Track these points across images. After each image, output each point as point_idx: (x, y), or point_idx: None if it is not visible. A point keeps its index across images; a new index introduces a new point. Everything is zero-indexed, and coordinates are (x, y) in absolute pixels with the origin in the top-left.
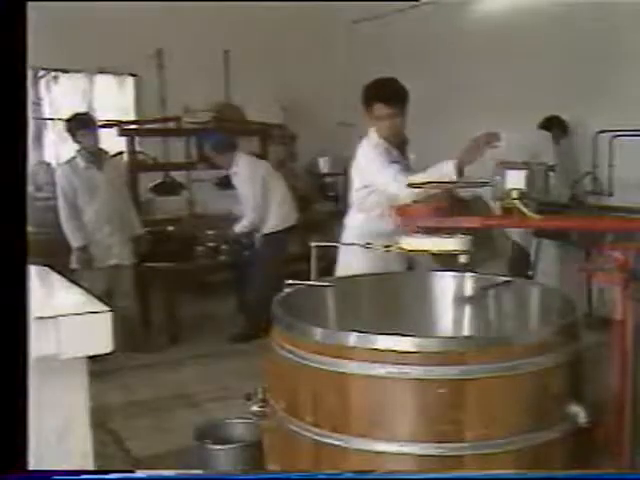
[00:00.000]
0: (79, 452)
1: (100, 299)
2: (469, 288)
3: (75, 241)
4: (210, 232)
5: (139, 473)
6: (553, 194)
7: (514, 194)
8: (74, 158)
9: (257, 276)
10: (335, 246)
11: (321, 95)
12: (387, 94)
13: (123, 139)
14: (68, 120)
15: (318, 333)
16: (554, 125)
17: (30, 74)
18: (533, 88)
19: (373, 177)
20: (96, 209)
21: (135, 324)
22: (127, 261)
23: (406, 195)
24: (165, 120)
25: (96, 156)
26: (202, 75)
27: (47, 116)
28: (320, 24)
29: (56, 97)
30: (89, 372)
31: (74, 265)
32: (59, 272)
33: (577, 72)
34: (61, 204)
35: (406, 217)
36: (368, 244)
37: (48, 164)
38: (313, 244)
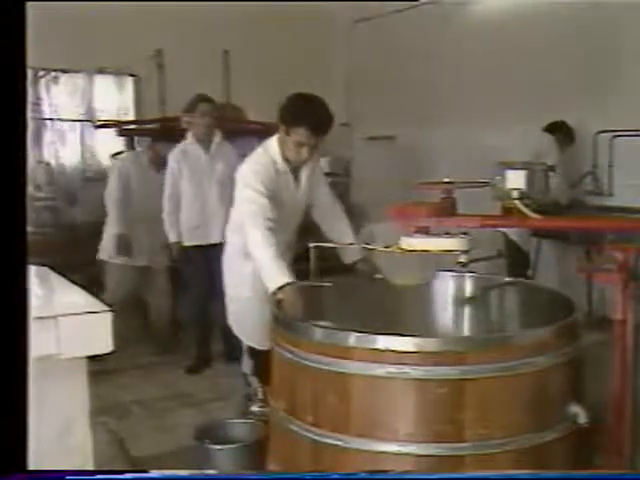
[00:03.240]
0: (79, 452)
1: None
2: (469, 288)
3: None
4: None
5: (153, 473)
6: (555, 195)
7: (514, 194)
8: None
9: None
10: (335, 247)
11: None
12: (317, 122)
13: (122, 139)
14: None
15: (318, 333)
16: (559, 129)
17: (30, 74)
18: (533, 88)
19: (242, 214)
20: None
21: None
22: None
23: (265, 264)
24: (165, 120)
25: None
26: (202, 75)
27: (47, 116)
28: (320, 24)
29: (56, 97)
30: (89, 372)
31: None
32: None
33: (577, 72)
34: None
35: (405, 217)
36: (367, 244)
37: (48, 164)
38: (312, 244)
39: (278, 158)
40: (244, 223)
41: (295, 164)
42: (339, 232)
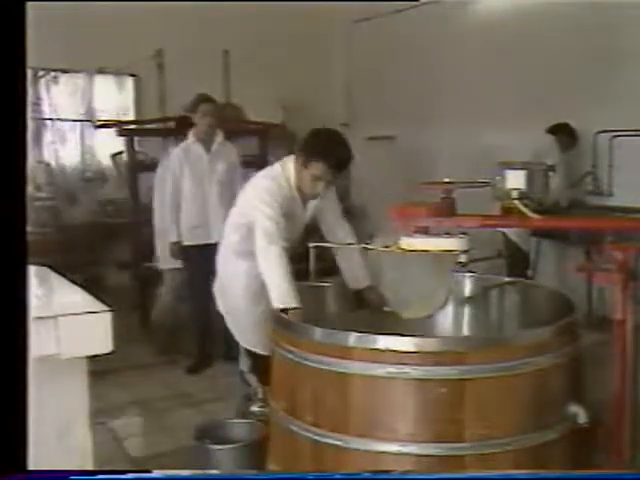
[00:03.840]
0: (79, 452)
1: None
2: (469, 288)
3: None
4: None
5: (156, 473)
6: (554, 196)
7: (514, 194)
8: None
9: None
10: (334, 247)
11: (321, 95)
12: (337, 159)
13: (122, 139)
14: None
15: (318, 333)
16: (562, 131)
17: (30, 74)
18: (533, 88)
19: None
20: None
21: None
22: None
23: (276, 284)
24: (165, 120)
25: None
26: (202, 75)
27: (47, 116)
28: (320, 24)
29: (56, 97)
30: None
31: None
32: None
33: (577, 72)
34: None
35: (405, 217)
36: (367, 243)
37: (48, 164)
38: (312, 244)
39: (293, 185)
40: (258, 238)
41: (308, 197)
42: (348, 259)
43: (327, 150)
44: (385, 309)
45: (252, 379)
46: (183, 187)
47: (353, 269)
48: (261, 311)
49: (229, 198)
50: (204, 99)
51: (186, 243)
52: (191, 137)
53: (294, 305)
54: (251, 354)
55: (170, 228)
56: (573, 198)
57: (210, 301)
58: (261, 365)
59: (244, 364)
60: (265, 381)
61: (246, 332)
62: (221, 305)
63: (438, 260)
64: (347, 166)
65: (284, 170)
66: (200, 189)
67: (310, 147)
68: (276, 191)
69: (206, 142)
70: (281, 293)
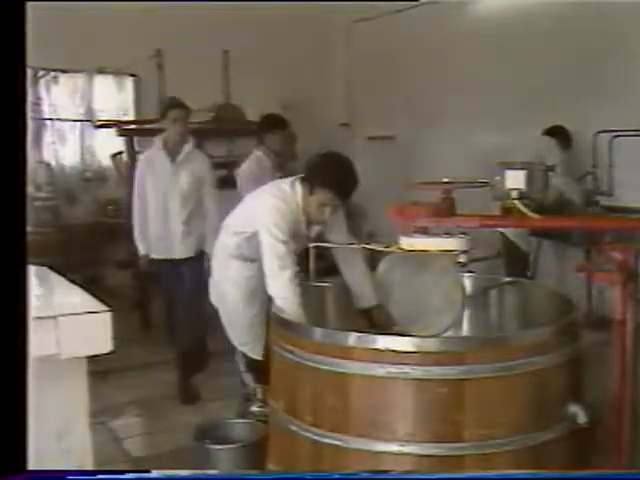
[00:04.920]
0: (79, 452)
1: None
2: (469, 288)
3: None
4: None
5: (154, 473)
6: (568, 195)
7: (514, 194)
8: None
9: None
10: (334, 247)
11: (321, 95)
12: (343, 187)
13: (122, 139)
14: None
15: (318, 333)
16: (559, 132)
17: (30, 74)
18: (533, 88)
19: (263, 248)
20: None
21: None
22: None
23: (288, 307)
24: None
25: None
26: (202, 75)
27: (47, 116)
28: (320, 24)
29: (56, 97)
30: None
31: None
32: None
33: (577, 72)
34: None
35: (405, 217)
36: (367, 243)
37: (48, 164)
38: (312, 244)
39: (300, 208)
40: (269, 261)
41: (314, 221)
42: (356, 278)
43: (334, 178)
44: (394, 329)
45: (248, 378)
46: (148, 199)
47: (361, 288)
48: (254, 314)
49: (193, 214)
50: (174, 104)
51: (153, 256)
52: (157, 144)
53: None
54: (245, 354)
55: (137, 240)
56: (586, 195)
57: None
58: (256, 365)
59: (241, 364)
60: (262, 380)
61: (240, 333)
62: (217, 302)
63: (447, 276)
64: (353, 192)
65: (293, 192)
66: (162, 202)
67: (317, 175)
68: (287, 214)
69: (173, 151)
70: (291, 317)
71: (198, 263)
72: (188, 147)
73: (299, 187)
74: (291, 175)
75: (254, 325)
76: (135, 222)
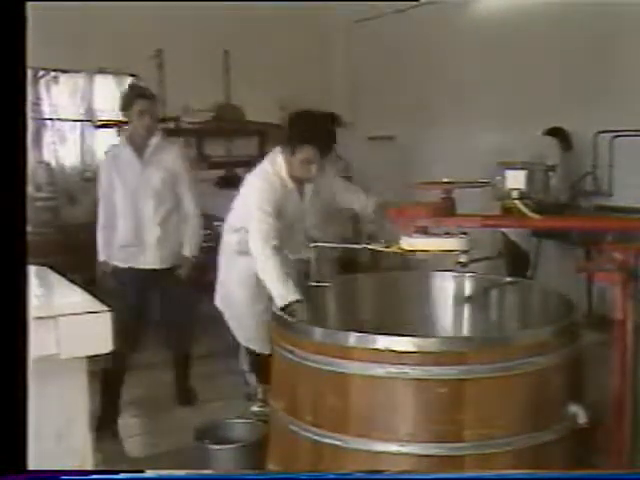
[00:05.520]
0: (79, 452)
1: None
2: (469, 288)
3: None
4: (208, 232)
5: (148, 473)
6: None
7: (514, 194)
8: None
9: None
10: (335, 247)
11: (321, 95)
12: (325, 141)
13: None
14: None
15: (318, 333)
16: (559, 133)
17: (30, 74)
18: (533, 88)
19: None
20: None
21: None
22: None
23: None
24: (165, 120)
25: None
26: (202, 75)
27: (47, 116)
28: (320, 24)
29: (56, 97)
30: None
31: None
32: None
33: (577, 72)
34: None
35: (405, 217)
36: (367, 243)
37: (48, 164)
38: (312, 244)
39: (285, 176)
40: (251, 240)
41: (304, 181)
42: (353, 197)
43: (312, 133)
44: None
45: (252, 378)
46: (116, 200)
47: (362, 202)
48: (261, 310)
49: (170, 217)
50: (140, 94)
51: (117, 264)
52: (121, 139)
53: (295, 298)
54: (251, 353)
55: (102, 247)
56: (572, 197)
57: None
58: (261, 363)
59: (245, 364)
60: (266, 380)
61: (247, 330)
62: (221, 303)
63: None
64: (334, 142)
65: (274, 166)
66: (132, 203)
67: (294, 134)
68: (269, 190)
69: (140, 146)
70: (280, 291)
71: (173, 278)
72: (156, 140)
73: (280, 157)
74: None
75: (262, 321)
76: (99, 225)
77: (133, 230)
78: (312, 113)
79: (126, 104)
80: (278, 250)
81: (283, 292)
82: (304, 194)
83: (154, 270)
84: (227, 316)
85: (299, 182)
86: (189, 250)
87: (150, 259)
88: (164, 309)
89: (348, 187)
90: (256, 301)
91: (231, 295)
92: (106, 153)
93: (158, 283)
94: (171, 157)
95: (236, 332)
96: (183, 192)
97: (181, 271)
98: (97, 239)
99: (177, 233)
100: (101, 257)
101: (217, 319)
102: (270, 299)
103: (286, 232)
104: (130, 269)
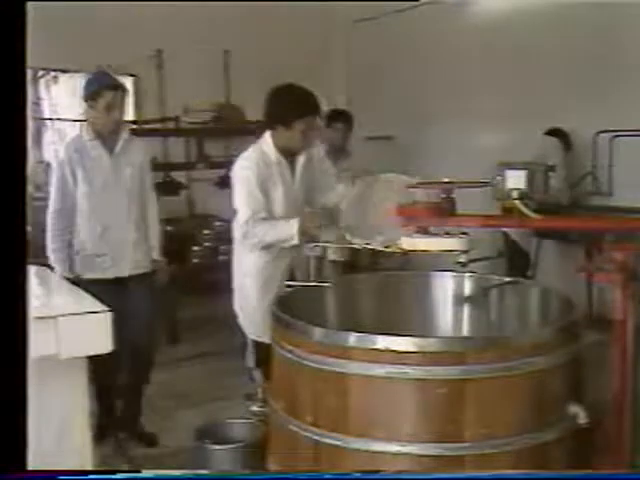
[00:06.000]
0: (79, 452)
1: None
2: (469, 288)
3: None
4: (208, 232)
5: (145, 473)
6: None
7: (514, 194)
8: None
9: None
10: (334, 247)
11: (321, 95)
12: (316, 106)
13: None
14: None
15: (318, 333)
16: (558, 133)
17: (30, 74)
18: (533, 88)
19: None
20: None
21: None
22: None
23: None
24: (165, 120)
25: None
26: (202, 75)
27: (47, 116)
28: (320, 24)
29: (56, 97)
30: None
31: None
32: None
33: (577, 72)
34: None
35: (405, 217)
36: (367, 243)
37: (48, 164)
38: (312, 244)
39: (272, 151)
40: (238, 220)
41: (297, 153)
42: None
43: (306, 103)
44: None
45: (258, 375)
46: (78, 200)
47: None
48: (272, 300)
49: (140, 213)
50: (109, 85)
51: (83, 276)
52: (87, 133)
53: (295, 224)
54: (259, 347)
55: (57, 257)
56: (574, 198)
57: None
58: (267, 360)
59: (251, 361)
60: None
61: (258, 324)
62: (236, 301)
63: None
64: (319, 108)
65: (257, 146)
66: (101, 202)
67: (287, 109)
68: (250, 166)
69: (108, 140)
70: (286, 232)
71: (144, 285)
72: (125, 134)
73: (269, 136)
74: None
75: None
76: (51, 232)
77: (100, 234)
78: (291, 85)
79: (92, 95)
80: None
81: (289, 231)
82: (295, 170)
83: (126, 278)
84: (241, 317)
85: (291, 158)
86: (157, 253)
87: (125, 266)
88: (128, 323)
89: (330, 180)
90: (266, 293)
91: (242, 288)
92: (67, 146)
93: (128, 293)
94: (140, 152)
95: (247, 328)
96: (147, 189)
97: (158, 277)
98: (48, 251)
99: (148, 235)
100: (61, 271)
101: (217, 319)
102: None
103: (282, 207)
104: (104, 280)
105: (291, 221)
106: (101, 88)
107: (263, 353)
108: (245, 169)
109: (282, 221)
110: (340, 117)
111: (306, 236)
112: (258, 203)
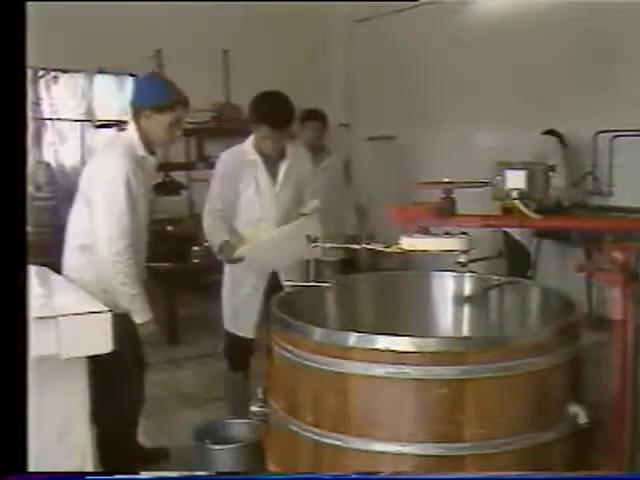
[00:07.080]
0: (79, 452)
1: None
2: (469, 288)
3: None
4: None
5: (143, 474)
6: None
7: (514, 194)
8: None
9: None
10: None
11: (321, 95)
12: (275, 119)
13: None
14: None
15: (318, 333)
16: (557, 134)
17: (30, 74)
18: (533, 88)
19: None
20: None
21: None
22: None
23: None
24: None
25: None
26: (202, 75)
27: (47, 116)
28: (320, 24)
29: (56, 97)
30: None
31: None
32: None
33: (577, 72)
34: None
35: (405, 217)
36: (367, 243)
37: (48, 164)
38: (312, 245)
39: (251, 151)
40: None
41: (269, 155)
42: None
43: (267, 112)
44: None
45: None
46: (138, 212)
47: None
48: (247, 294)
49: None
50: (180, 100)
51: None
52: (140, 145)
53: (219, 242)
54: (229, 336)
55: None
56: (575, 198)
57: None
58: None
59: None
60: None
61: (229, 314)
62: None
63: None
64: (289, 124)
65: (245, 144)
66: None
67: (253, 112)
68: (218, 171)
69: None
70: (212, 235)
71: None
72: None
73: (251, 136)
74: None
75: (249, 305)
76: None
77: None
78: (269, 93)
79: (161, 107)
80: (223, 220)
81: (214, 240)
82: (277, 174)
83: None
84: (227, 324)
85: (267, 160)
86: None
87: None
88: None
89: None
90: (238, 286)
91: (225, 290)
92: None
93: None
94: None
95: (235, 331)
96: None
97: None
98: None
99: None
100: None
101: (217, 319)
102: (255, 287)
103: (251, 206)
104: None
105: (222, 234)
106: (172, 102)
107: (234, 344)
108: (218, 162)
109: (222, 229)
110: (313, 115)
111: (226, 257)
112: (217, 196)
